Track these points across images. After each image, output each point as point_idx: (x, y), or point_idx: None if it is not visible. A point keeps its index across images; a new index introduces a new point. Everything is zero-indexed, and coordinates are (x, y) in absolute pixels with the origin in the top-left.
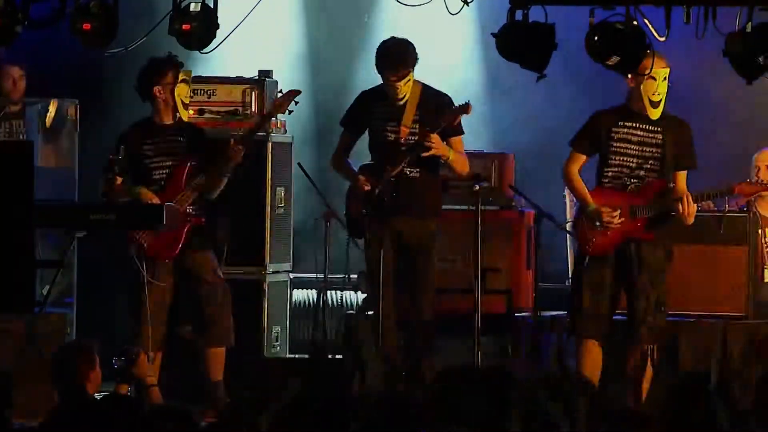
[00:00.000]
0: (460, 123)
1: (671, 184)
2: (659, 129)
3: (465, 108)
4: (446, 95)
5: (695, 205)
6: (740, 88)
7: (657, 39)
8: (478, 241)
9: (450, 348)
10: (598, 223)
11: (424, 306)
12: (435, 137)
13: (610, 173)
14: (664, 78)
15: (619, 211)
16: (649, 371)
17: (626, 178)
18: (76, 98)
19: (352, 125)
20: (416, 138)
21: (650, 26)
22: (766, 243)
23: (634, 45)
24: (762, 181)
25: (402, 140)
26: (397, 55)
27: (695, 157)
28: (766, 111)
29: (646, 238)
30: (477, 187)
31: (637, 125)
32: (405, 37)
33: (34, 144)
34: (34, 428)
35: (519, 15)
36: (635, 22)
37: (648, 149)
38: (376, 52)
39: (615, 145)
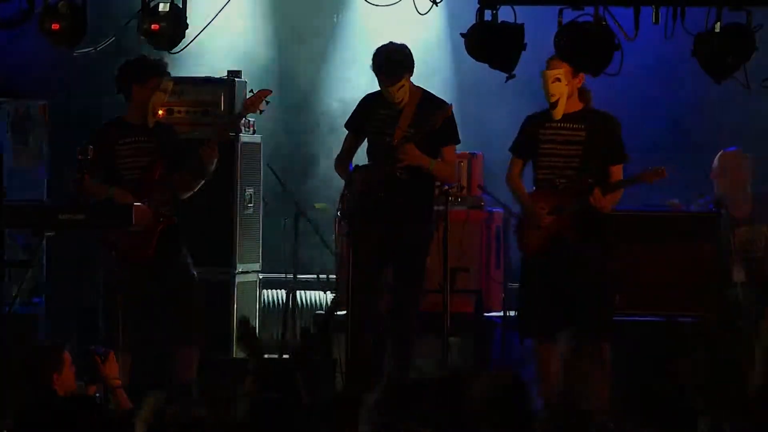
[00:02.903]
0: (454, 131)
1: (590, 180)
2: (582, 126)
3: (445, 109)
4: (445, 103)
5: (607, 197)
6: (711, 88)
7: (626, 39)
8: (447, 241)
9: (419, 348)
10: (531, 223)
11: (405, 309)
12: (409, 148)
13: (541, 175)
14: (556, 79)
15: (546, 210)
16: (604, 370)
17: (556, 178)
18: (45, 98)
19: (355, 128)
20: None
21: (619, 26)
22: (735, 243)
23: (603, 45)
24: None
25: (395, 143)
26: (391, 62)
27: (623, 150)
28: (736, 110)
29: (572, 236)
30: (446, 187)
31: (562, 125)
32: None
33: (3, 144)
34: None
35: (488, 15)
36: (604, 23)
37: (573, 147)
38: (373, 57)
39: (543, 146)
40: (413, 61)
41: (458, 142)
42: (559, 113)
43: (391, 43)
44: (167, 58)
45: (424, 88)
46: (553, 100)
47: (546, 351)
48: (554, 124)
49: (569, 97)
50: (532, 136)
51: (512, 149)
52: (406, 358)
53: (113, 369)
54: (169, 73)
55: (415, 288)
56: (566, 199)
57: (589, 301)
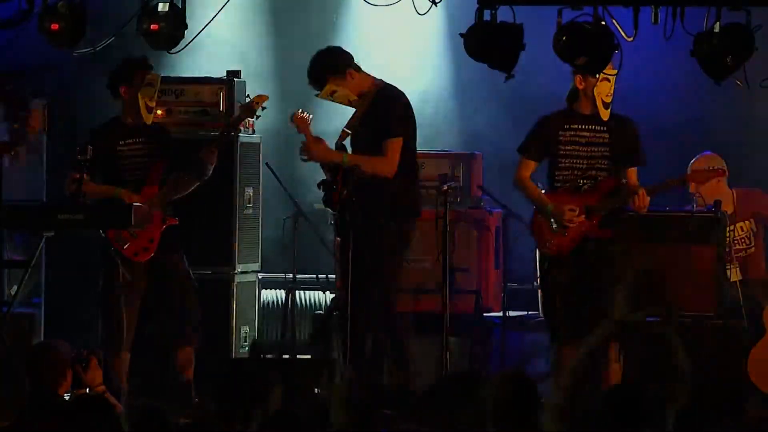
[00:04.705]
0: (395, 124)
1: (624, 180)
2: (605, 128)
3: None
4: (398, 103)
5: (648, 198)
6: (708, 88)
7: (625, 39)
8: (446, 242)
9: (418, 348)
10: (557, 224)
11: (375, 307)
12: (308, 144)
13: (561, 176)
14: (605, 79)
15: (577, 211)
16: (617, 368)
17: (578, 180)
18: (44, 98)
19: None
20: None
21: (618, 27)
22: (732, 242)
23: (603, 45)
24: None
25: (337, 143)
26: (310, 72)
27: (643, 154)
28: (731, 111)
29: (603, 236)
30: (445, 187)
31: (584, 126)
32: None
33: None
34: (3, 429)
35: (487, 15)
36: (603, 23)
37: (596, 149)
38: None
39: (564, 148)
40: (337, 62)
41: (398, 135)
42: (607, 114)
43: (320, 50)
44: (166, 58)
45: (420, 86)
46: (610, 100)
47: (571, 353)
48: (575, 126)
49: (586, 97)
50: (549, 137)
51: (522, 150)
52: (402, 359)
53: (96, 376)
54: (151, 66)
55: (373, 287)
56: (595, 200)
57: (617, 300)
